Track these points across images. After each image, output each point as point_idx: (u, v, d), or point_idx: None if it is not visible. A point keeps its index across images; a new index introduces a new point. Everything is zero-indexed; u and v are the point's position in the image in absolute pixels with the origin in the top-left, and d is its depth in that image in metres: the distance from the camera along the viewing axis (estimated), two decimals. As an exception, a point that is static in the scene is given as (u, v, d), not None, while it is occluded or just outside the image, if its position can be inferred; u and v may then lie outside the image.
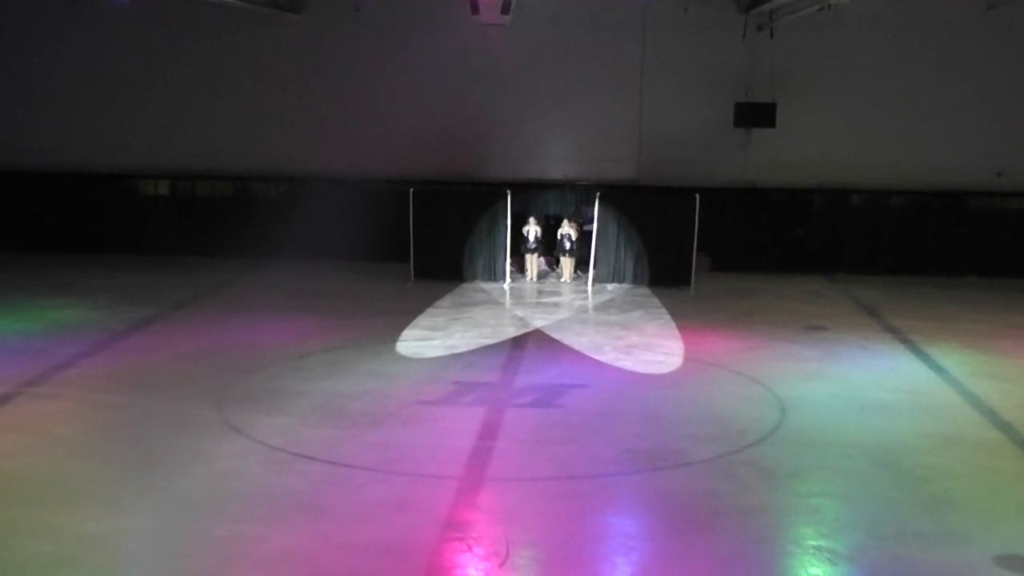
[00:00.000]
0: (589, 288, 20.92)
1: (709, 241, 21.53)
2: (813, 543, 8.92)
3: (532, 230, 21.63)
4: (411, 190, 20.91)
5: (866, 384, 14.10)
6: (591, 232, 21.21)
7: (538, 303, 19.66)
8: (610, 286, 21.05)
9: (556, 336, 16.67)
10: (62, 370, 14.01)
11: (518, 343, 16.26)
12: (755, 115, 22.17)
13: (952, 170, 22.81)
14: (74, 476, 10.20)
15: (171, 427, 11.68)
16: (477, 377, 14.14)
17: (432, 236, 21.05)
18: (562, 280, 21.68)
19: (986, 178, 22.95)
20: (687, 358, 15.54)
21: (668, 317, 18.33)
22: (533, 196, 22.99)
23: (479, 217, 21.13)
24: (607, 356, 15.44)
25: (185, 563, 8.37)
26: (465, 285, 20.89)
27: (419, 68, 22.58)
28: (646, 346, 16.17)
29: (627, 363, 15.08)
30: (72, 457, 10.77)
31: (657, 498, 10.04)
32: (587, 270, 21.40)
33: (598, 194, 21.19)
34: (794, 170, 23.10)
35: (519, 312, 18.66)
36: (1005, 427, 12.29)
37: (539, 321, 17.78)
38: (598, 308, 19.35)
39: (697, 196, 20.70)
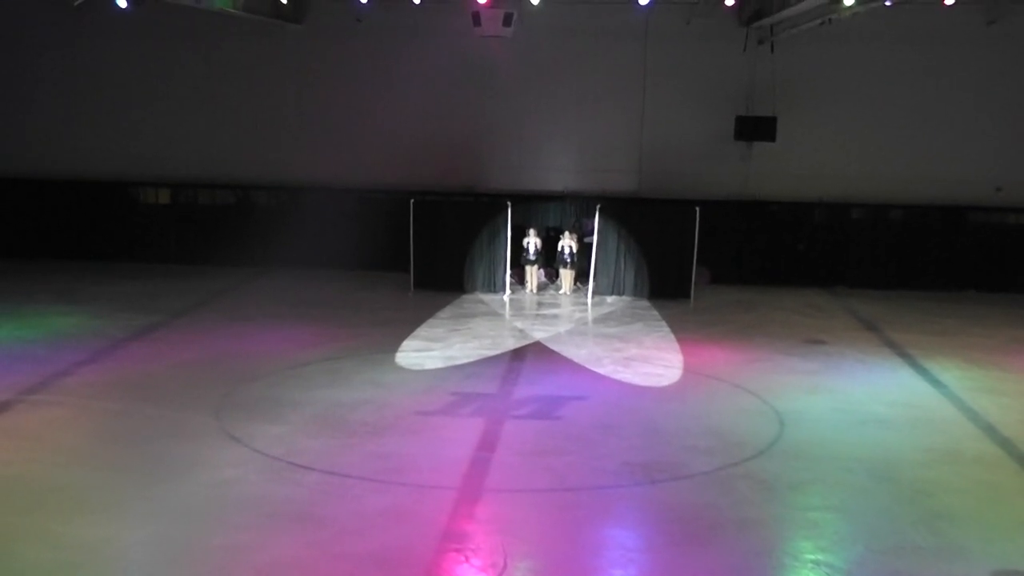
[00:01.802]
0: (589, 300, 20.91)
1: (709, 254, 21.57)
2: (812, 557, 8.93)
3: (532, 242, 21.61)
4: (411, 200, 20.95)
5: (865, 398, 14.10)
6: (591, 244, 21.22)
7: (538, 315, 19.66)
8: (610, 298, 21.05)
9: (555, 348, 16.68)
10: (62, 377, 14.03)
11: (517, 355, 16.26)
12: (755, 129, 22.21)
13: (952, 184, 22.81)
14: (73, 483, 10.21)
15: (170, 435, 11.70)
16: (476, 388, 14.14)
17: (432, 247, 21.07)
18: (562, 292, 21.66)
19: (986, 193, 22.96)
20: (686, 371, 15.54)
21: (667, 329, 18.33)
22: (533, 208, 22.98)
23: (479, 228, 21.15)
24: (606, 368, 15.43)
25: (183, 571, 8.40)
26: (465, 296, 20.88)
27: (420, 78, 22.65)
28: (645, 358, 16.17)
29: (626, 375, 15.08)
30: (72, 464, 10.78)
31: (655, 510, 10.04)
32: (587, 282, 21.38)
33: (598, 206, 21.20)
34: (795, 183, 23.12)
35: (519, 324, 18.66)
36: (1004, 442, 12.29)
37: (538, 333, 17.78)
38: (598, 320, 19.35)
39: (697, 208, 20.74)
